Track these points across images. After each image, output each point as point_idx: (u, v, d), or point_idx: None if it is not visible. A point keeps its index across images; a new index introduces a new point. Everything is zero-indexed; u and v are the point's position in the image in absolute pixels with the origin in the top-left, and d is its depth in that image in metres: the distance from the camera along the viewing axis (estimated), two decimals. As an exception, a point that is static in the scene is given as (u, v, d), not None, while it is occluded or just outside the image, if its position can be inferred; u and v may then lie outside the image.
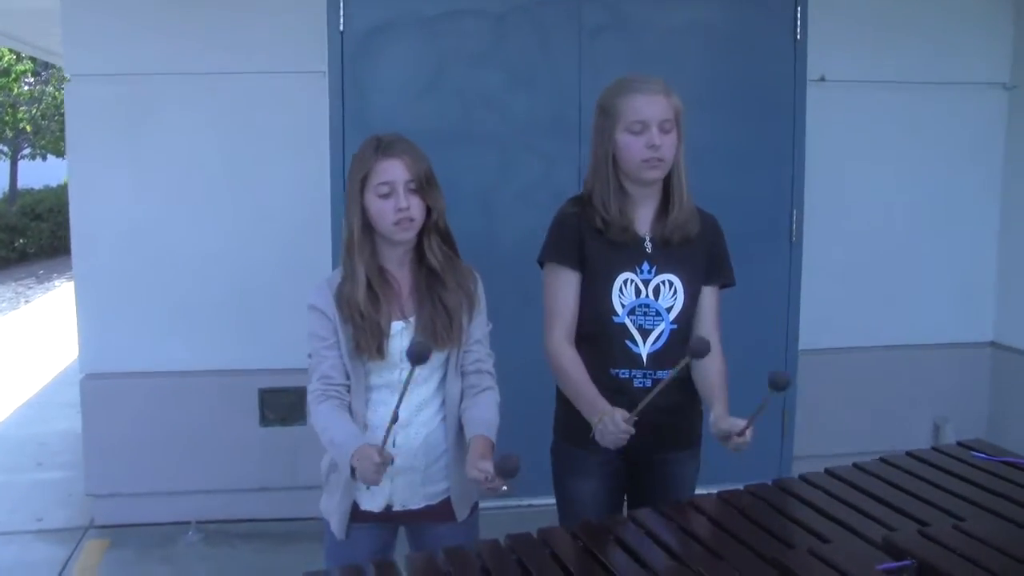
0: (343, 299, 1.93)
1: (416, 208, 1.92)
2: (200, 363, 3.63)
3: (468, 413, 1.98)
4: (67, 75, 3.51)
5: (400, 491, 2.01)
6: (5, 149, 15.73)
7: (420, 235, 1.97)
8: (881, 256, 4.03)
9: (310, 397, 1.98)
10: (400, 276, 2.00)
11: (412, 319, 1.97)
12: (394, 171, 1.90)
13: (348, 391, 1.97)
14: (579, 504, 2.11)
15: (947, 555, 1.52)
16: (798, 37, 3.78)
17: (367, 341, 1.91)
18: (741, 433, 1.88)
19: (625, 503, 2.19)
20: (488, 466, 1.78)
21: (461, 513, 2.05)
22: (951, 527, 1.65)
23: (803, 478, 1.97)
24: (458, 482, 2.01)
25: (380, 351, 1.92)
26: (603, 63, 3.61)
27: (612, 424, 1.85)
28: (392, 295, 1.98)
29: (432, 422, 2.01)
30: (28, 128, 14.99)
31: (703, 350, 1.84)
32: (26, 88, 15.12)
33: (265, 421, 3.71)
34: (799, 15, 3.76)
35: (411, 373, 1.79)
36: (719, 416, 1.96)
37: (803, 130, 3.82)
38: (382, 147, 1.92)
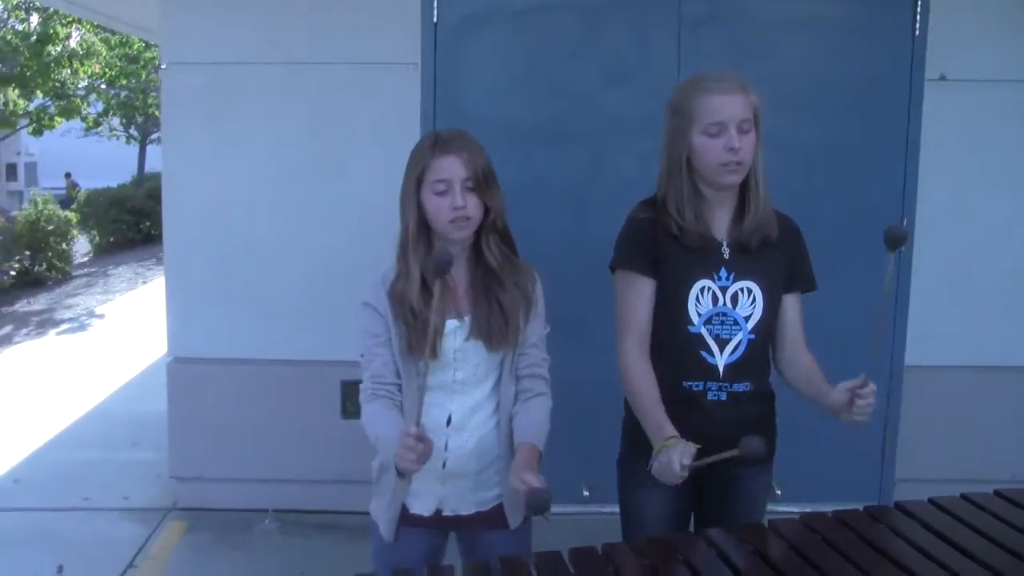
0: (396, 297, 1.88)
1: (473, 206, 1.85)
2: (283, 352, 3.65)
3: (518, 418, 1.91)
4: (163, 63, 3.57)
5: (451, 496, 1.95)
6: (135, 134, 16.44)
7: (477, 233, 1.90)
8: (999, 270, 3.73)
9: (361, 396, 1.94)
10: (456, 274, 1.92)
11: (467, 318, 1.90)
12: (451, 168, 1.84)
13: (400, 390, 1.91)
14: (644, 518, 2.01)
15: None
16: (917, 32, 3.54)
17: (420, 340, 1.83)
18: (863, 386, 1.77)
19: (692, 519, 2.09)
20: (531, 479, 1.69)
21: (514, 520, 1.97)
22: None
23: (900, 507, 1.79)
24: (511, 489, 1.91)
25: (434, 351, 1.84)
26: (704, 58, 3.44)
27: (670, 463, 1.74)
28: (448, 293, 1.90)
29: (485, 426, 1.94)
30: (157, 114, 15.66)
31: (757, 454, 1.71)
32: (156, 74, 15.79)
33: (346, 413, 3.70)
34: (919, 9, 3.52)
35: (423, 385, 1.74)
36: (829, 391, 1.86)
37: (918, 132, 3.57)
38: (440, 143, 1.87)
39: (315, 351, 3.65)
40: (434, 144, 1.87)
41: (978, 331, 3.75)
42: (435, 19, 3.49)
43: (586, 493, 3.52)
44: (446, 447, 1.91)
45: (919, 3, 3.53)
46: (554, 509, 1.78)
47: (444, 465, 1.90)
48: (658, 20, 3.51)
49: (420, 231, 1.89)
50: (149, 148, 16.76)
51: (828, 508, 1.81)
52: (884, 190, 3.61)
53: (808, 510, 1.81)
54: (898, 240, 1.66)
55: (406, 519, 1.97)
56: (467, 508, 1.96)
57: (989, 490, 1.87)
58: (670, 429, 1.82)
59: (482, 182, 1.86)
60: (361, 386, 1.94)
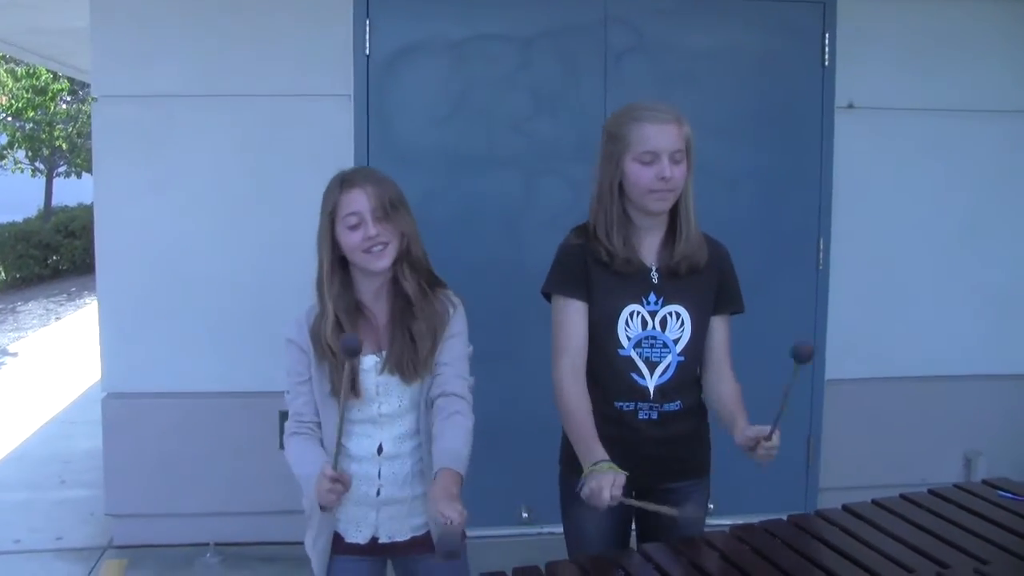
0: (314, 336, 1.94)
1: (387, 233, 1.92)
2: (222, 384, 3.64)
3: (435, 444, 1.90)
4: (95, 95, 3.56)
5: (386, 523, 1.99)
6: (41, 167, 16.01)
7: (394, 265, 1.95)
8: (910, 285, 3.95)
9: (284, 433, 2.00)
10: (377, 309, 1.98)
11: (384, 352, 1.95)
12: (359, 201, 1.91)
13: (319, 427, 1.98)
14: (587, 535, 2.07)
15: (967, 600, 1.47)
16: (826, 63, 3.74)
17: (339, 381, 1.87)
18: (769, 436, 1.83)
19: (633, 534, 2.16)
20: (448, 511, 1.66)
21: None
22: (972, 570, 1.59)
23: (820, 515, 1.92)
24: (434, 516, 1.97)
25: (355, 390, 1.91)
26: (629, 87, 3.59)
27: (600, 491, 1.77)
28: (369, 329, 1.96)
29: (416, 454, 1.99)
30: (64, 146, 15.25)
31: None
32: (63, 106, 15.40)
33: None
34: (827, 41, 3.73)
35: (340, 425, 1.79)
36: (742, 427, 1.91)
37: (831, 157, 3.78)
38: (345, 181, 1.95)
39: (253, 382, 3.63)
40: (341, 182, 1.95)
41: (892, 344, 3.95)
42: (367, 51, 3.55)
43: (525, 515, 3.59)
44: (379, 475, 1.95)
45: (827, 34, 3.73)
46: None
47: (378, 493, 1.94)
48: (585, 50, 3.64)
49: (334, 268, 1.95)
50: (56, 181, 16.33)
51: (756, 519, 1.92)
52: (802, 211, 3.80)
53: (739, 522, 1.90)
54: (804, 357, 1.73)
55: (342, 548, 2.00)
56: (403, 534, 2.00)
57: (897, 495, 2.00)
58: (600, 452, 1.86)
59: (390, 210, 1.92)
60: (285, 424, 2.01)
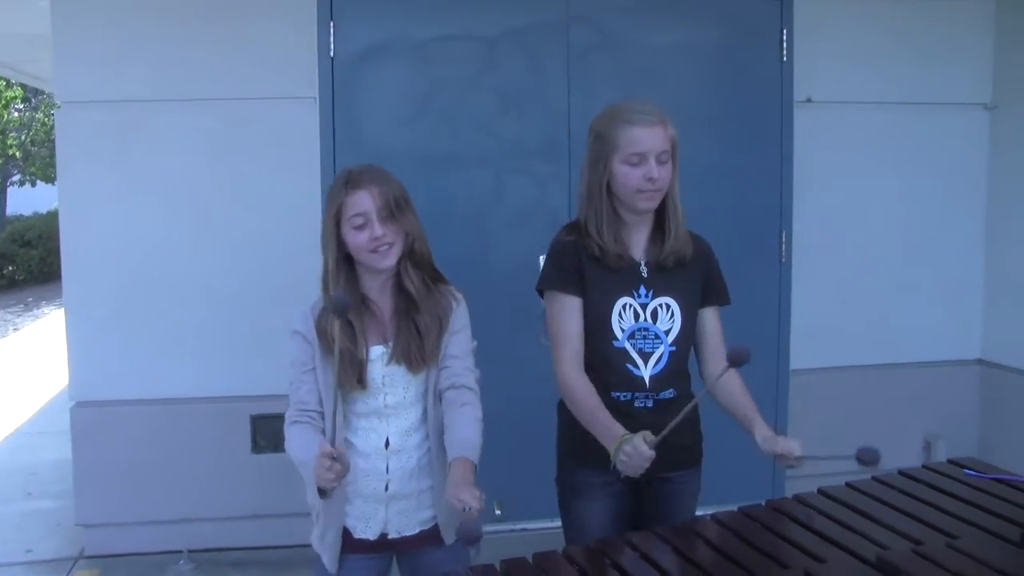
0: (320, 330, 1.96)
1: (392, 234, 1.94)
2: (192, 390, 3.61)
3: (448, 435, 1.94)
4: (58, 102, 3.51)
5: (395, 518, 2.01)
6: (-7, 176, 15.72)
7: (398, 263, 1.98)
8: (869, 276, 4.06)
9: (285, 423, 2.00)
10: (382, 302, 2.01)
11: (391, 344, 1.98)
12: (365, 202, 1.93)
13: (322, 417, 1.98)
14: (586, 527, 2.10)
15: (940, 573, 1.53)
16: (784, 59, 3.82)
17: (346, 372, 1.91)
18: (798, 458, 1.91)
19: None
20: (467, 497, 1.71)
21: (449, 537, 2.04)
22: (944, 545, 1.66)
23: (797, 498, 1.97)
24: (444, 507, 2.00)
25: (361, 381, 1.93)
26: (592, 85, 3.64)
27: (635, 451, 1.83)
28: (374, 322, 1.99)
29: (423, 447, 2.01)
30: (17, 154, 14.97)
31: (742, 358, 1.84)
32: (16, 114, 15.11)
33: (257, 448, 3.69)
34: (785, 37, 3.81)
35: (334, 409, 1.81)
36: (766, 437, 1.98)
37: (791, 151, 3.85)
38: (351, 180, 1.96)
39: (223, 387, 3.63)
40: (346, 182, 1.96)
41: (853, 333, 4.05)
42: (332, 53, 3.55)
43: (498, 512, 3.61)
44: (387, 469, 1.97)
45: (784, 31, 3.81)
46: (491, 528, 1.86)
47: (387, 488, 1.96)
48: (549, 49, 3.67)
49: (340, 266, 1.97)
50: (10, 190, 16.01)
51: (732, 506, 1.96)
52: (764, 205, 3.87)
53: (710, 512, 1.94)
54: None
55: (351, 546, 2.01)
56: (411, 528, 2.02)
57: (868, 477, 2.07)
58: (620, 429, 1.92)
59: (395, 210, 1.94)
60: (286, 413, 2.00)
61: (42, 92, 13.28)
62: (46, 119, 14.66)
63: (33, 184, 15.70)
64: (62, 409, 4.16)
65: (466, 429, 1.92)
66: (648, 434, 1.85)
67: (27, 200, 15.65)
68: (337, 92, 3.56)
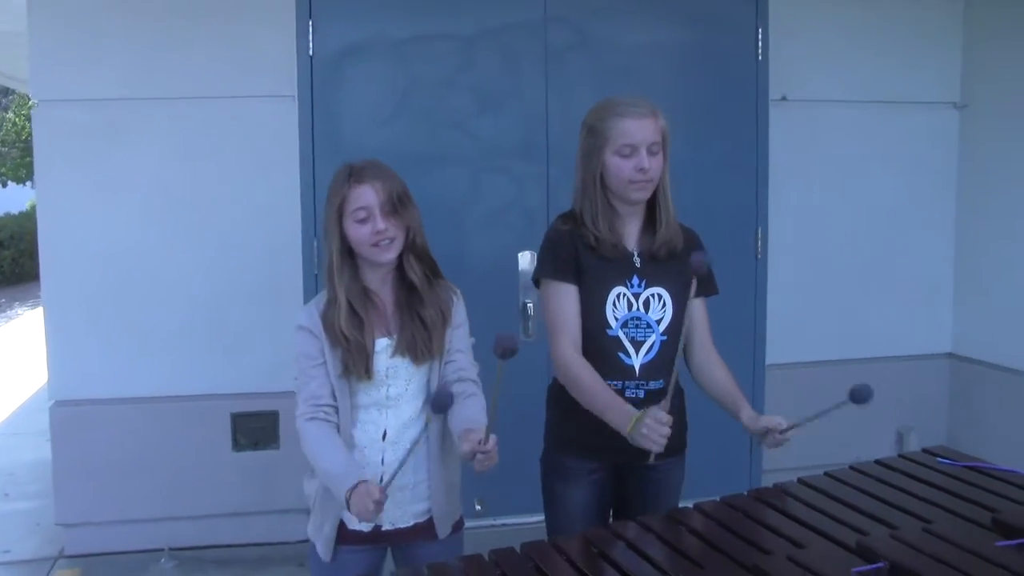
0: (327, 322, 1.97)
1: (394, 228, 1.97)
2: (171, 388, 3.61)
3: (456, 418, 1.97)
4: (34, 100, 3.49)
5: (390, 510, 2.01)
6: (-35, 176, 15.49)
7: (400, 255, 2.01)
8: (843, 272, 4.13)
9: (298, 418, 1.99)
10: (383, 295, 2.04)
11: (395, 336, 2.01)
12: (367, 196, 1.95)
13: (336, 411, 1.99)
14: (567, 512, 2.15)
15: (917, 556, 1.57)
16: (759, 58, 3.88)
17: (354, 363, 1.94)
18: (784, 432, 1.97)
19: (611, 511, 2.24)
20: (477, 435, 1.80)
21: (443, 531, 2.07)
22: (920, 530, 1.70)
23: (778, 487, 2.02)
24: (439, 500, 2.04)
25: (368, 371, 1.95)
26: (570, 84, 3.67)
27: (655, 422, 1.88)
28: (377, 314, 2.02)
29: (419, 439, 2.03)
30: (-10, 154, 14.77)
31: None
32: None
33: (238, 446, 3.69)
34: (760, 36, 3.86)
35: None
36: (751, 416, 2.05)
37: (766, 149, 3.91)
38: (354, 174, 1.98)
39: (202, 385, 3.63)
40: (349, 176, 1.98)
41: (828, 328, 4.12)
42: (311, 52, 3.56)
43: (478, 508, 3.65)
44: (383, 461, 2.00)
45: (760, 30, 3.87)
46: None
47: (382, 479, 1.98)
48: (526, 49, 3.69)
49: (343, 259, 1.99)
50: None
51: (715, 497, 2.00)
52: (740, 202, 3.92)
53: (689, 504, 1.97)
54: (861, 399, 1.91)
55: (345, 537, 2.03)
56: (406, 520, 2.05)
57: (846, 466, 2.12)
58: (632, 408, 1.96)
59: (397, 205, 1.97)
60: (297, 410, 2.01)
61: (12, 92, 13.09)
62: (17, 119, 14.46)
63: (4, 185, 15.48)
64: (38, 409, 4.14)
65: (473, 410, 1.98)
66: (660, 410, 1.90)
67: (-1, 200, 15.43)
68: (316, 91, 3.57)
